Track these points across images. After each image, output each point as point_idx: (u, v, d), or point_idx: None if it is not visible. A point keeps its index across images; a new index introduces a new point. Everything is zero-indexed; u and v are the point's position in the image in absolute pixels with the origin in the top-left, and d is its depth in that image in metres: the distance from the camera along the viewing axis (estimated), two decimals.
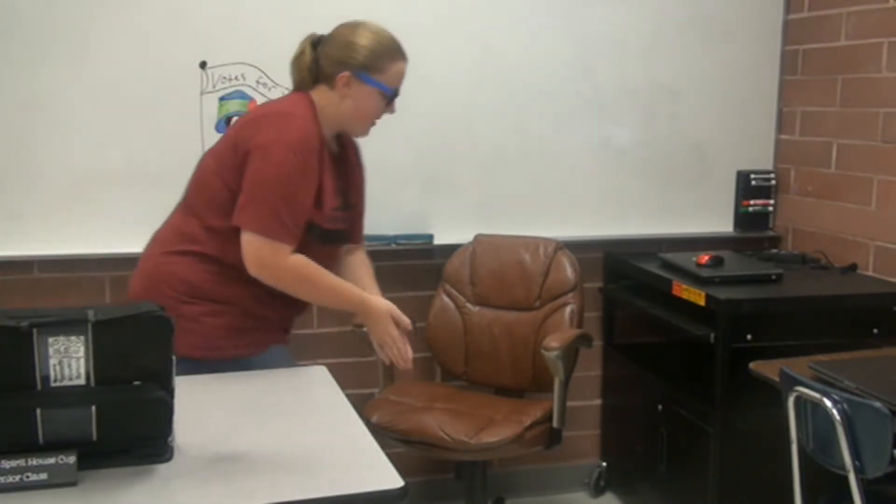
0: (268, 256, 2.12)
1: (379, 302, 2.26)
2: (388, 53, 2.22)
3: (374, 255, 3.11)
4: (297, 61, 2.26)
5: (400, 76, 2.25)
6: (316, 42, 2.27)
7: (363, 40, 2.21)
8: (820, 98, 3.25)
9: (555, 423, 2.79)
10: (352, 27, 2.25)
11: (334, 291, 2.23)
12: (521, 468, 3.39)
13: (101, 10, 2.79)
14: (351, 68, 2.19)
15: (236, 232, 2.12)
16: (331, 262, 2.31)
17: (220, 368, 2.19)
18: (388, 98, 2.23)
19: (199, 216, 2.22)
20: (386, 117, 3.00)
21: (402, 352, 2.24)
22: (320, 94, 2.22)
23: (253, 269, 2.13)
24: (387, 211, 3.09)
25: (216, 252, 2.19)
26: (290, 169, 2.09)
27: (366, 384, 3.21)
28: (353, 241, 2.43)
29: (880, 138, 3.00)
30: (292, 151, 2.09)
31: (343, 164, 2.32)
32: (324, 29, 2.94)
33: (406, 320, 2.26)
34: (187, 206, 2.27)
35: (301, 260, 2.15)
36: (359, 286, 2.34)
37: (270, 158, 2.09)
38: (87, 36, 2.80)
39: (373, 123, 2.28)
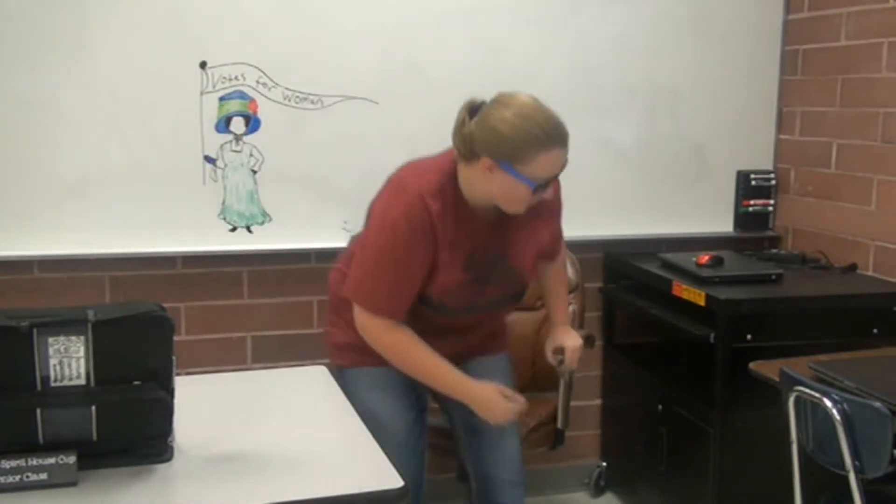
0: (369, 328, 2.13)
1: (482, 390, 2.16)
2: (533, 143, 1.98)
3: None
4: (459, 132, 2.06)
5: (549, 165, 2.00)
6: (474, 110, 2.07)
7: (507, 128, 1.98)
8: (820, 98, 3.25)
9: (559, 424, 2.78)
10: (501, 107, 2.01)
11: (433, 376, 2.18)
12: None
13: (101, 10, 2.79)
14: (492, 156, 1.99)
15: None
16: (474, 323, 2.30)
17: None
18: (536, 190, 2.02)
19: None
20: (383, 117, 3.03)
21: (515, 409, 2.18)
22: (472, 168, 2.06)
23: (365, 339, 2.16)
24: None
25: None
26: (388, 246, 2.06)
27: None
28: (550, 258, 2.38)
29: (880, 138, 3.00)
30: (392, 229, 2.05)
31: (501, 231, 2.17)
32: (323, 28, 2.96)
33: (519, 399, 2.18)
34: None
35: (399, 337, 2.12)
36: (549, 309, 2.42)
37: (375, 231, 2.09)
38: (87, 36, 2.80)
39: (529, 203, 2.07)
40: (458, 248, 2.12)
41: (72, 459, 1.60)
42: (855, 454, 1.99)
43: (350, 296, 2.15)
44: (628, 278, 3.28)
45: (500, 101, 2.04)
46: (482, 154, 2.01)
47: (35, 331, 1.58)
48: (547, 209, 2.22)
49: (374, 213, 2.12)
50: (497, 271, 2.19)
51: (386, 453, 1.79)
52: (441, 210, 2.07)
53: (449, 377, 2.16)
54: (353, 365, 2.28)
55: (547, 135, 2.00)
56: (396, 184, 2.12)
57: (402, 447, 2.17)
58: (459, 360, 2.24)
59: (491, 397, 2.15)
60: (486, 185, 2.05)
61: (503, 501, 2.36)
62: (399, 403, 2.27)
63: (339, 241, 3.06)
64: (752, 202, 3.43)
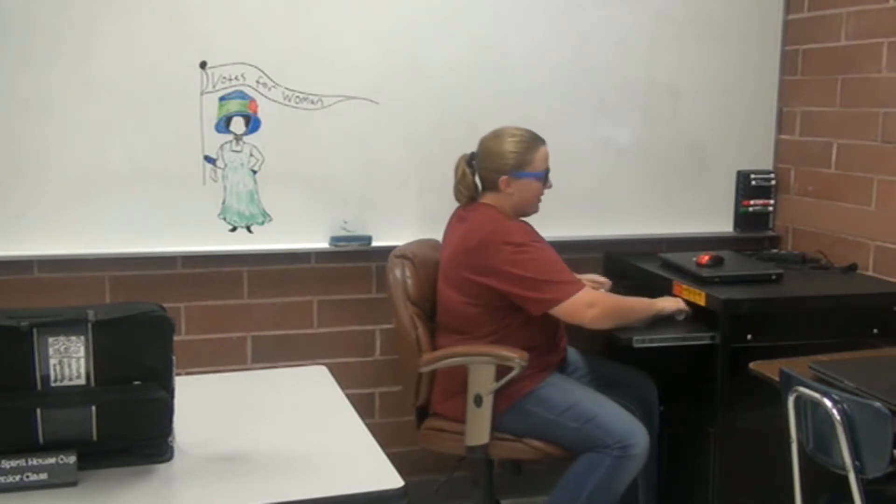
0: (588, 301, 2.55)
1: (663, 301, 2.77)
2: (530, 147, 2.65)
3: (374, 256, 3.14)
4: (462, 181, 2.71)
5: (545, 158, 2.68)
6: (469, 160, 2.72)
7: (507, 146, 2.65)
8: (820, 98, 3.25)
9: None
10: (494, 138, 2.68)
11: (647, 305, 2.73)
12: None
13: (101, 11, 2.79)
14: (507, 172, 2.63)
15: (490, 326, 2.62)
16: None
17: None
18: (543, 179, 2.67)
19: (460, 332, 2.66)
20: (383, 117, 3.04)
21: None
22: (492, 199, 2.68)
23: (588, 323, 2.56)
24: (386, 211, 3.09)
25: None
26: (537, 252, 2.58)
27: (366, 384, 3.21)
28: None
29: (880, 138, 3.00)
30: (529, 243, 2.58)
31: None
32: (323, 28, 2.96)
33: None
34: (444, 326, 2.72)
35: (604, 293, 2.74)
36: None
37: (523, 257, 2.55)
38: (88, 36, 2.80)
39: (539, 200, 2.71)
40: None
41: (72, 459, 1.60)
42: (855, 454, 1.99)
43: (559, 301, 2.53)
44: (628, 278, 3.28)
45: (489, 136, 2.70)
46: (498, 177, 2.64)
47: (35, 331, 1.58)
48: None
49: (510, 261, 2.54)
50: None
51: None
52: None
53: (643, 301, 2.74)
54: (538, 382, 2.61)
55: (532, 137, 2.68)
56: (495, 233, 2.58)
57: (630, 414, 2.61)
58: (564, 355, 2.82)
59: (666, 298, 2.79)
60: (508, 200, 2.66)
61: (656, 414, 2.86)
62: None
63: None
64: (752, 202, 3.43)
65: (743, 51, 3.36)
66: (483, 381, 2.55)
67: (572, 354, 2.88)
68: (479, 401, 2.56)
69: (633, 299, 2.75)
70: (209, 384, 2.24)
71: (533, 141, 2.66)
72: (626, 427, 2.53)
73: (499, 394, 2.55)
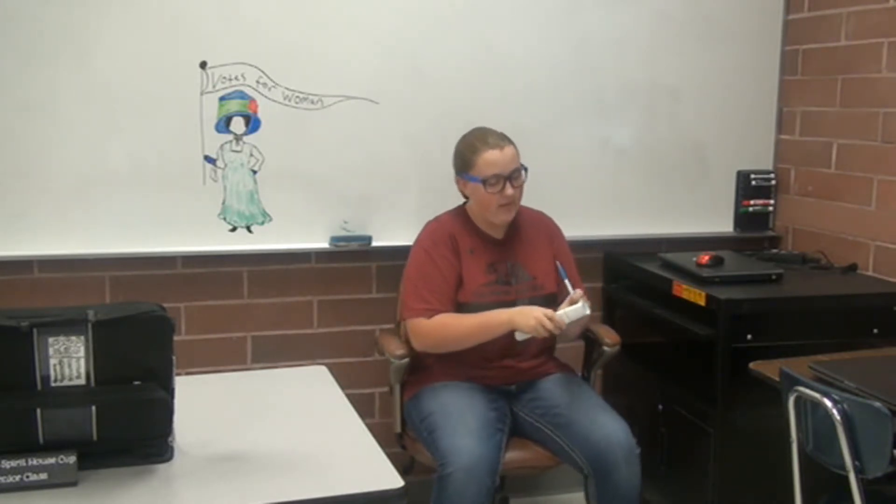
0: (415, 329, 2.55)
1: (522, 307, 2.48)
2: (471, 150, 2.56)
3: (375, 256, 3.14)
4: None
5: (491, 163, 2.52)
6: None
7: (457, 146, 2.63)
8: (820, 98, 3.25)
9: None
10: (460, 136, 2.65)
11: (481, 325, 2.49)
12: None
13: (101, 11, 2.79)
14: (458, 173, 2.62)
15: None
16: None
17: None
18: (487, 184, 2.51)
19: None
20: (383, 117, 3.03)
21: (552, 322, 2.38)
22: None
23: (418, 348, 2.59)
24: (386, 211, 3.09)
25: None
26: (418, 261, 2.61)
27: (366, 384, 3.21)
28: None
29: (880, 138, 3.00)
30: (421, 248, 2.62)
31: (510, 246, 2.66)
32: (323, 28, 2.97)
33: (558, 322, 2.38)
34: None
35: (438, 318, 2.52)
36: None
37: (410, 259, 2.65)
38: (88, 36, 2.80)
39: (503, 207, 2.55)
40: (479, 256, 2.62)
41: (72, 459, 1.60)
42: (855, 454, 1.99)
43: (405, 318, 2.59)
44: (628, 278, 3.28)
45: None
46: (455, 177, 2.63)
47: (35, 331, 1.58)
48: (548, 234, 2.74)
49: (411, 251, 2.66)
50: (516, 276, 2.64)
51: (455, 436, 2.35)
52: (459, 227, 2.64)
53: (491, 314, 2.49)
54: (423, 386, 2.61)
55: (479, 141, 2.56)
56: (427, 225, 2.68)
57: (473, 433, 2.39)
58: (527, 379, 2.65)
59: (530, 307, 2.44)
60: (471, 203, 2.64)
61: (620, 480, 2.44)
62: (479, 403, 2.52)
63: None
64: (752, 202, 3.43)
65: (743, 51, 3.36)
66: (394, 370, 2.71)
67: (552, 385, 2.65)
68: (391, 390, 2.76)
69: (471, 325, 2.50)
70: (209, 384, 2.24)
71: (477, 144, 2.55)
72: (450, 445, 2.36)
73: (402, 390, 2.71)
